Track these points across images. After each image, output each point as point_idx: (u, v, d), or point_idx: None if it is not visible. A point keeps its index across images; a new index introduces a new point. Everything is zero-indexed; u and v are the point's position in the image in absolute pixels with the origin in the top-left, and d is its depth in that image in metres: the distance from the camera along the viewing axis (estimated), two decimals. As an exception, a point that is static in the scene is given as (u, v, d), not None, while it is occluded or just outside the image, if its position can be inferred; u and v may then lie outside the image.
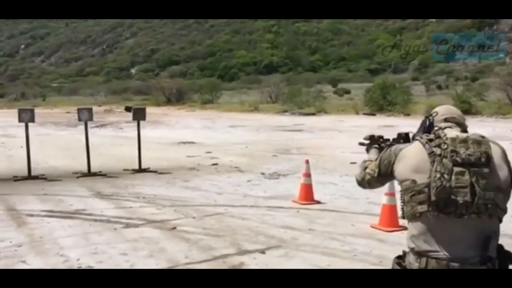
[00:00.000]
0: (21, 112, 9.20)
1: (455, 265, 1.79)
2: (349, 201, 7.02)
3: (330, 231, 5.55)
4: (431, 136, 1.95)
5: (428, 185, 1.84)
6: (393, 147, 2.08)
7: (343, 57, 79.50)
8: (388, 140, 2.42)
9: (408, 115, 25.29)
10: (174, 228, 5.73)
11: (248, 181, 8.63)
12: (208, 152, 12.26)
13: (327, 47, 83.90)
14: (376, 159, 2.14)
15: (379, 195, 6.07)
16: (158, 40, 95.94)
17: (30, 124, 9.23)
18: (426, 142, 1.92)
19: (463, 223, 1.82)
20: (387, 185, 5.73)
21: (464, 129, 2.07)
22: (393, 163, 2.02)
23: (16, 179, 8.84)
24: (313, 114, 28.25)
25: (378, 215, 5.76)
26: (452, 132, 1.95)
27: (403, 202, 1.94)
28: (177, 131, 18.70)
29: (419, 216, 1.87)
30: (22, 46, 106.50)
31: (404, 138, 2.33)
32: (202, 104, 38.99)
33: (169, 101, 42.55)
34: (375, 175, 2.12)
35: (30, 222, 6.01)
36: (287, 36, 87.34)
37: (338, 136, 16.20)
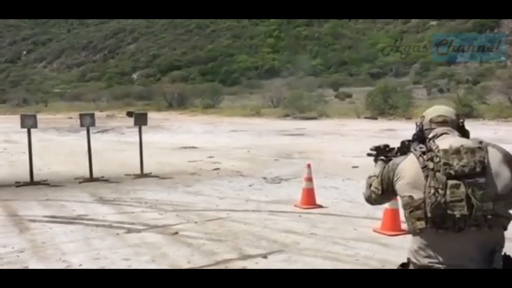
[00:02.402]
0: (23, 118, 9.23)
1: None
2: (351, 205, 7.01)
3: (333, 236, 5.53)
4: (425, 148, 1.90)
5: (424, 201, 1.81)
6: (390, 163, 2.04)
7: (344, 61, 79.44)
8: (393, 149, 2.36)
9: (410, 118, 25.23)
10: (176, 233, 5.73)
11: (250, 185, 8.63)
12: (210, 157, 12.26)
13: (328, 51, 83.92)
14: (377, 176, 2.11)
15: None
16: (160, 45, 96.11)
17: (32, 130, 9.26)
18: (420, 155, 1.88)
19: (463, 237, 1.78)
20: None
21: (454, 126, 2.01)
22: (392, 179, 1.99)
23: (19, 184, 8.85)
24: (315, 118, 28.24)
25: (381, 219, 5.75)
26: (445, 142, 1.88)
27: (405, 217, 1.92)
28: (178, 136, 18.71)
29: (419, 232, 1.85)
30: (24, 52, 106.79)
31: (407, 146, 2.26)
32: (203, 109, 39.02)
33: (170, 106, 42.60)
34: (379, 192, 2.09)
35: (32, 228, 6.01)
36: (288, 41, 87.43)
37: (340, 140, 16.19)
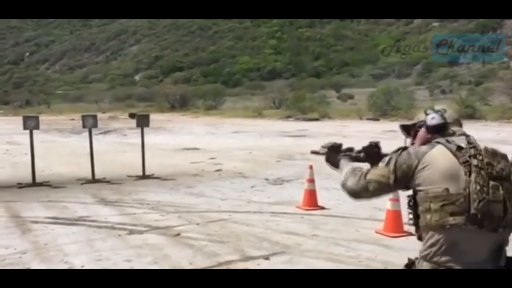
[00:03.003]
0: (26, 119, 9.24)
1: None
2: (353, 206, 6.98)
3: (335, 237, 5.53)
4: (461, 141, 1.86)
5: (465, 196, 1.76)
6: (412, 150, 1.91)
7: (346, 62, 79.43)
8: (351, 148, 2.28)
9: (412, 120, 25.16)
10: (178, 234, 5.73)
11: (252, 187, 8.62)
12: (212, 158, 12.27)
13: (331, 53, 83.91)
14: (384, 165, 1.94)
15: (384, 201, 6.05)
16: (162, 46, 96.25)
17: (34, 131, 9.27)
18: (456, 150, 1.82)
19: (485, 235, 1.78)
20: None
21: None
22: (415, 167, 1.86)
23: (21, 186, 8.86)
24: (317, 119, 28.22)
25: (383, 220, 5.74)
26: (480, 143, 1.88)
27: (428, 210, 1.81)
28: (181, 137, 18.72)
29: (448, 227, 1.78)
30: (27, 54, 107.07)
31: (375, 147, 2.22)
32: (205, 110, 39.04)
33: (173, 108, 42.63)
34: (391, 181, 1.90)
35: (34, 229, 6.02)
36: (290, 42, 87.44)
37: (342, 142, 16.12)
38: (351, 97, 49.71)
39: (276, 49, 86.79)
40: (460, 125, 2.04)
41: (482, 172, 1.77)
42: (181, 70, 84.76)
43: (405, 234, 5.38)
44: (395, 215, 5.56)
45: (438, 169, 1.82)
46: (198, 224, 6.20)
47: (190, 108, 41.57)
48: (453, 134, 1.95)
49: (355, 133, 19.25)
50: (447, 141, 1.87)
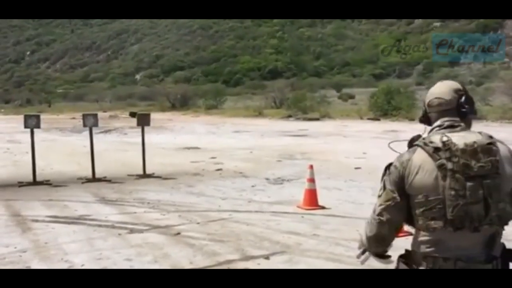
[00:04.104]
0: (27, 118, 9.25)
1: (461, 264, 1.77)
2: (354, 206, 6.99)
3: (335, 237, 5.52)
4: (437, 143, 1.80)
5: (441, 202, 1.76)
6: (397, 162, 1.88)
7: (347, 62, 79.45)
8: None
9: (413, 120, 25.17)
10: (179, 233, 5.73)
11: (253, 186, 8.62)
12: (212, 158, 12.27)
13: (331, 52, 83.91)
14: (382, 192, 1.91)
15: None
16: (163, 46, 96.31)
17: (35, 130, 9.28)
18: (434, 152, 1.79)
19: (469, 234, 1.78)
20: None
21: (453, 106, 1.90)
22: (403, 176, 1.85)
23: (21, 184, 8.87)
24: (317, 119, 28.22)
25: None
26: (458, 139, 1.81)
27: (415, 214, 1.84)
28: (181, 137, 18.73)
29: (432, 230, 1.81)
30: (28, 53, 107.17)
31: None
32: (206, 110, 39.05)
33: (173, 107, 42.65)
34: (397, 198, 1.86)
35: (35, 228, 6.02)
36: (291, 42, 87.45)
37: (343, 141, 16.17)
38: (351, 97, 49.72)
39: (277, 49, 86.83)
40: (434, 105, 1.94)
41: (457, 175, 1.75)
42: (182, 69, 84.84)
43: (405, 234, 5.36)
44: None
45: (419, 175, 1.81)
46: (198, 223, 6.19)
47: (191, 108, 41.59)
48: (437, 127, 1.91)
49: (356, 133, 19.25)
50: (425, 144, 1.83)
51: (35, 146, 9.24)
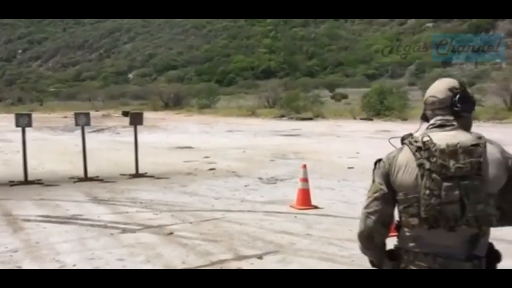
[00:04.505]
0: (18, 116, 9.18)
1: (440, 260, 1.79)
2: (347, 206, 7.01)
3: (328, 236, 5.53)
4: (419, 142, 1.82)
5: (417, 200, 1.80)
6: (385, 158, 1.93)
7: (340, 62, 79.65)
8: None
9: (405, 120, 25.34)
10: (171, 233, 5.71)
11: (246, 186, 8.62)
12: (205, 157, 12.25)
13: (325, 52, 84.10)
14: (371, 186, 1.95)
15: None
16: (156, 45, 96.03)
17: (27, 129, 9.22)
18: (416, 151, 1.82)
19: (447, 233, 1.79)
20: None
21: (447, 105, 1.90)
22: (389, 171, 1.89)
23: (13, 184, 8.80)
24: (311, 119, 28.29)
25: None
26: (442, 138, 1.82)
27: (399, 211, 1.90)
28: (174, 136, 18.69)
29: (412, 227, 1.85)
30: (19, 51, 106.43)
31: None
32: (199, 109, 39.04)
33: (166, 106, 42.58)
34: (385, 189, 1.89)
35: (26, 227, 5.97)
36: (284, 41, 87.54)
37: (336, 141, 16.20)
38: (344, 96, 49.87)
39: (270, 48, 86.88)
40: (428, 103, 1.95)
41: (433, 175, 1.76)
42: (175, 69, 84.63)
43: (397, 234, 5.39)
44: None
45: (403, 173, 1.85)
46: (191, 223, 6.18)
47: (184, 107, 41.53)
48: (429, 126, 1.93)
49: (349, 133, 19.30)
50: (410, 143, 1.86)
51: (26, 145, 9.17)
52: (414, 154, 1.82)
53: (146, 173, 9.70)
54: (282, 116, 30.06)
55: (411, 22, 77.29)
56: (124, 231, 5.81)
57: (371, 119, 26.90)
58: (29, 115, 9.44)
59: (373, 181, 1.95)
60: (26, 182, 8.86)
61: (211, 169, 10.45)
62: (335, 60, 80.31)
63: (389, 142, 2.10)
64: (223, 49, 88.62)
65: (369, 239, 1.98)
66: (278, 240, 5.39)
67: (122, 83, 78.10)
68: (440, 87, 1.97)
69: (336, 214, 6.57)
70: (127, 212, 6.77)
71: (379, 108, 28.31)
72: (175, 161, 11.76)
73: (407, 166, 1.84)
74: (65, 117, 28.70)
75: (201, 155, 12.65)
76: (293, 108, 31.36)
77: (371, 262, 2.08)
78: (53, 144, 16.20)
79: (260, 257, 4.86)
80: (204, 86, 51.54)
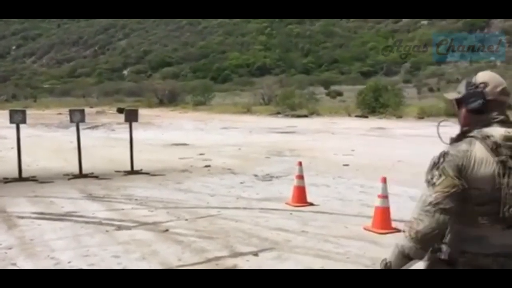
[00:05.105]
0: (12, 113, 9.12)
1: (501, 260, 1.77)
2: (342, 203, 7.03)
3: (323, 233, 5.54)
4: (497, 134, 1.76)
5: (496, 199, 1.73)
6: (453, 151, 1.79)
7: (335, 59, 79.77)
8: None
9: (400, 117, 25.42)
10: (167, 230, 5.70)
11: (241, 183, 8.61)
12: (200, 154, 12.23)
13: (320, 49, 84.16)
14: (440, 180, 1.76)
15: (372, 197, 6.10)
16: (151, 41, 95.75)
17: (21, 125, 9.16)
18: (496, 147, 1.74)
19: None
20: (379, 187, 5.75)
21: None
22: (463, 167, 1.76)
23: (7, 180, 8.75)
24: (306, 116, 28.31)
25: (371, 217, 5.77)
26: None
27: (461, 208, 1.77)
28: (169, 133, 18.64)
29: (479, 226, 1.76)
30: (14, 47, 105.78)
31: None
32: (194, 106, 38.96)
33: (161, 103, 42.47)
34: (464, 186, 1.74)
35: (20, 224, 5.95)
36: (280, 38, 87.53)
37: (331, 138, 16.22)
38: (340, 94, 50.01)
39: (266, 45, 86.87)
40: (507, 94, 1.87)
41: None
42: (170, 65, 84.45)
43: (393, 230, 5.41)
44: (384, 212, 5.59)
45: (476, 169, 1.75)
46: (186, 220, 6.17)
47: (179, 104, 41.45)
48: (492, 120, 1.83)
49: (344, 130, 19.33)
50: (483, 138, 1.77)
51: (20, 142, 9.11)
52: (492, 150, 1.75)
53: (141, 170, 9.67)
54: (278, 113, 30.07)
55: (405, 20, 77.46)
56: (119, 228, 5.79)
57: (366, 117, 26.95)
58: (23, 112, 9.37)
59: (444, 174, 1.76)
60: (20, 179, 8.81)
61: (206, 166, 10.44)
62: (330, 58, 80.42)
63: (438, 127, 2.01)
64: (218, 46, 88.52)
65: (436, 238, 1.80)
66: (273, 237, 5.39)
67: (116, 80, 77.80)
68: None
69: (332, 211, 6.58)
70: (122, 209, 6.75)
71: (374, 105, 28.37)
72: (170, 158, 11.73)
73: (484, 162, 1.75)
74: (60, 113, 28.56)
75: (196, 152, 12.63)
76: (289, 105, 31.38)
77: (387, 264, 1.89)
78: (47, 141, 16.12)
79: (255, 254, 4.86)
80: (199, 83, 51.45)
